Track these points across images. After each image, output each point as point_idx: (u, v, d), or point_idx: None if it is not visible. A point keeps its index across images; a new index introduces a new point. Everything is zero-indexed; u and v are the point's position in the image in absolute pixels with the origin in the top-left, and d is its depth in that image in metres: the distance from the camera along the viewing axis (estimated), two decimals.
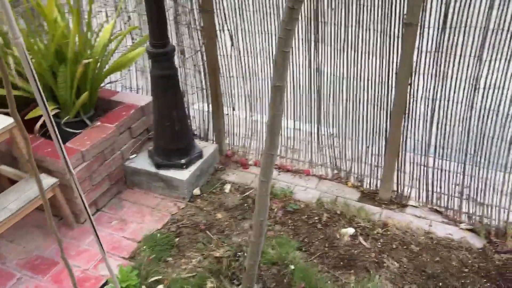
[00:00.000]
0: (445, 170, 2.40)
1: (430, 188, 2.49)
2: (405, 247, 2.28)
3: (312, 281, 2.06)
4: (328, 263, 2.20)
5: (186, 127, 2.61)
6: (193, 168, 2.58)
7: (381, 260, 2.21)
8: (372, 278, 2.10)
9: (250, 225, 2.40)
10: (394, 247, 2.28)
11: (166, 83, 2.43)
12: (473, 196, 2.35)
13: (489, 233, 2.29)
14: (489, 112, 2.12)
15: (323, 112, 2.61)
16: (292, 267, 2.14)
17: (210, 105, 2.82)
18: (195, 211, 2.50)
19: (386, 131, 2.41)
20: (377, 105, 2.40)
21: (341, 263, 2.20)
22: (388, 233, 2.37)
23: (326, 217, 2.48)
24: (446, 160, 2.39)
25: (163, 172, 2.55)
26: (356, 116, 2.51)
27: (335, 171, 2.77)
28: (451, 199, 2.45)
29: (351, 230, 2.38)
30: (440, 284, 2.08)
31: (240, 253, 2.22)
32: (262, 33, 2.49)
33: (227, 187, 2.67)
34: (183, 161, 2.56)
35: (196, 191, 2.60)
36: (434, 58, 2.12)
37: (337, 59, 2.38)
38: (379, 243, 2.31)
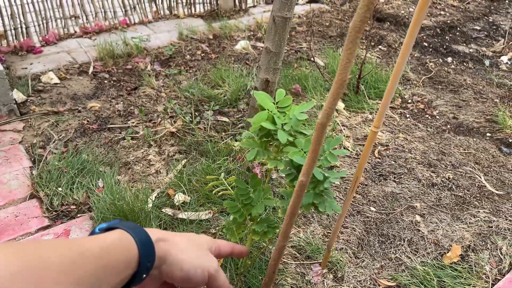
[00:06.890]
0: None
1: None
2: None
3: None
4: None
5: None
6: None
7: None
8: None
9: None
10: None
11: None
12: None
13: None
14: None
15: None
16: None
17: None
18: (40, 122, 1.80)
19: None
20: None
21: None
22: None
23: (208, 41, 2.49)
24: None
25: None
26: None
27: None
28: None
29: (243, 43, 2.43)
30: None
31: None
32: None
33: (49, 75, 2.07)
34: None
35: (19, 97, 1.90)
36: None
37: None
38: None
